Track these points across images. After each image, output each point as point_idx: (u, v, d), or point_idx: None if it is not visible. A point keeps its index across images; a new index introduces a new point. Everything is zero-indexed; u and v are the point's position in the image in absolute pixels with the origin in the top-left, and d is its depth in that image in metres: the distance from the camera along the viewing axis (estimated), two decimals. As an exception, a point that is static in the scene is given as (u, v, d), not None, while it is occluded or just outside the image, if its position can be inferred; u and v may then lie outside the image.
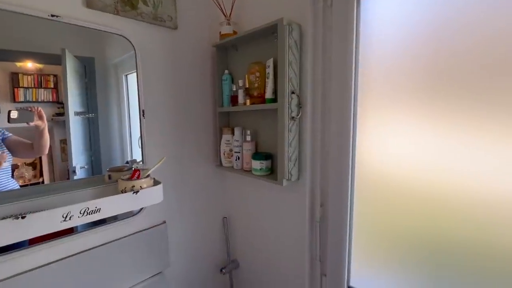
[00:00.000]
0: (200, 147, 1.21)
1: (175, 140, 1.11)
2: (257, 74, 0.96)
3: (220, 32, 1.09)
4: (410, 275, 0.80)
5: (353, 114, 0.84)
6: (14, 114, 0.72)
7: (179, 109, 1.12)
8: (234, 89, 1.10)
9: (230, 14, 1.07)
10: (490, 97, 0.61)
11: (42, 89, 0.77)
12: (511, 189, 0.61)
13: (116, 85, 0.93)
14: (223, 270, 1.29)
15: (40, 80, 0.77)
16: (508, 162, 0.60)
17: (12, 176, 0.74)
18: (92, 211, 0.72)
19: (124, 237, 0.98)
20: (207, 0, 1.14)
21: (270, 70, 0.92)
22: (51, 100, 0.79)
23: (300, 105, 0.91)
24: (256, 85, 0.98)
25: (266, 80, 0.94)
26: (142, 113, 0.96)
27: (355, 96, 0.84)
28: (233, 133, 1.12)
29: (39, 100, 0.77)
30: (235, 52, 1.13)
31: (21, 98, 0.74)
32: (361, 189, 0.88)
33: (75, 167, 0.84)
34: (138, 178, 0.85)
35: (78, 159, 0.85)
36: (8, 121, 0.72)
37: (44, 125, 0.77)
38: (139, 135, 0.98)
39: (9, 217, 0.62)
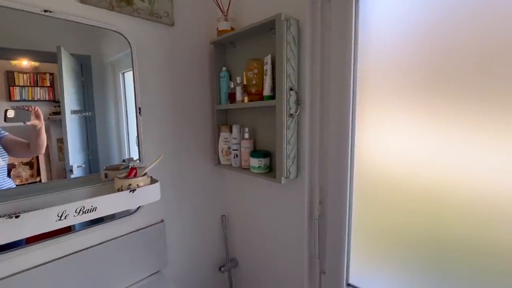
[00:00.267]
0: (198, 145, 1.20)
1: (172, 138, 1.11)
2: (255, 70, 0.95)
3: (217, 29, 1.08)
4: (409, 272, 0.80)
5: (352, 111, 0.84)
6: (11, 113, 0.72)
7: (177, 107, 1.11)
8: (232, 86, 1.10)
9: (228, 10, 1.06)
10: (489, 94, 0.62)
11: (38, 88, 0.77)
12: (510, 186, 0.60)
13: (113, 83, 0.93)
14: (222, 269, 1.29)
15: (36, 79, 0.76)
16: (507, 159, 0.60)
17: (9, 175, 0.75)
18: (88, 210, 0.71)
19: (122, 236, 0.98)
20: (204, -4, 1.13)
21: (268, 67, 0.91)
22: (47, 98, 0.79)
23: (298, 102, 0.90)
24: (254, 82, 0.97)
25: (264, 77, 0.93)
26: (138, 110, 0.95)
27: (354, 93, 0.84)
28: (231, 131, 1.11)
29: (35, 98, 0.77)
30: (233, 48, 1.12)
31: (17, 97, 0.74)
32: (360, 186, 0.88)
33: (72, 166, 0.84)
34: (135, 176, 0.84)
35: (75, 158, 0.85)
36: (5, 120, 0.71)
37: (41, 124, 0.77)
38: (136, 133, 0.96)
39: (3, 217, 0.61)
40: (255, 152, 1.01)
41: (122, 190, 0.81)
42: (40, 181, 0.79)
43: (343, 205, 0.90)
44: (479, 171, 0.64)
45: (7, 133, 0.74)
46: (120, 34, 0.90)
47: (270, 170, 1.02)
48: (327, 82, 0.89)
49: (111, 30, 0.88)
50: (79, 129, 0.86)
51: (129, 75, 0.94)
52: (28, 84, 0.75)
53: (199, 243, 1.27)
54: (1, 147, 0.73)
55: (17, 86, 0.74)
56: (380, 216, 0.84)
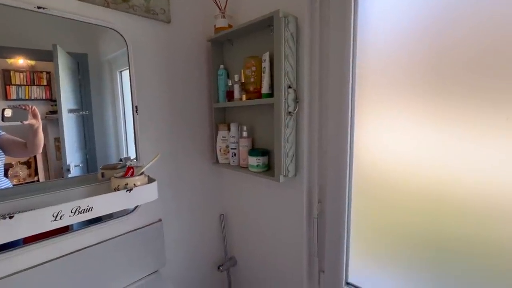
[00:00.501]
0: (196, 144, 1.20)
1: (170, 136, 1.11)
2: (253, 68, 0.95)
3: (215, 26, 1.07)
4: (408, 270, 0.80)
5: (351, 109, 0.84)
6: (8, 113, 0.72)
7: (174, 105, 1.11)
8: (230, 84, 1.09)
9: (225, 7, 1.05)
10: (489, 92, 0.62)
11: (35, 87, 0.77)
12: (509, 184, 0.60)
13: (111, 81, 0.93)
14: (221, 268, 1.29)
15: (32, 77, 0.76)
16: (507, 157, 0.61)
17: (6, 175, 0.75)
18: (84, 210, 0.71)
19: (119, 235, 0.98)
20: (201, -8, 1.12)
21: (266, 64, 0.91)
22: (44, 97, 0.78)
23: (297, 100, 0.90)
24: (252, 79, 0.96)
25: (262, 74, 0.93)
26: (135, 109, 0.94)
27: (353, 91, 0.83)
28: (229, 129, 1.11)
29: (32, 97, 0.77)
30: (231, 46, 1.11)
31: (14, 96, 0.74)
32: (359, 185, 0.88)
33: (69, 165, 0.84)
34: (131, 175, 0.84)
35: (73, 157, 0.85)
36: (2, 120, 0.71)
37: (39, 124, 0.77)
38: (133, 132, 0.95)
39: (-4, 217, 0.60)
40: (254, 151, 1.01)
41: (118, 190, 0.80)
42: (38, 180, 0.79)
43: (342, 204, 0.90)
44: (479, 169, 0.65)
45: (3, 133, 0.74)
46: (116, 31, 0.89)
47: (269, 169, 1.01)
48: (325, 80, 0.89)
49: (107, 27, 0.88)
50: (76, 128, 0.86)
51: (126, 74, 0.94)
52: (25, 83, 0.75)
53: (198, 242, 1.28)
54: None
55: (14, 85, 0.74)
56: (379, 214, 0.85)
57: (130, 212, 1.00)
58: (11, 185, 0.75)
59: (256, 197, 1.17)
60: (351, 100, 0.84)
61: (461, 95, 0.65)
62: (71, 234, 0.86)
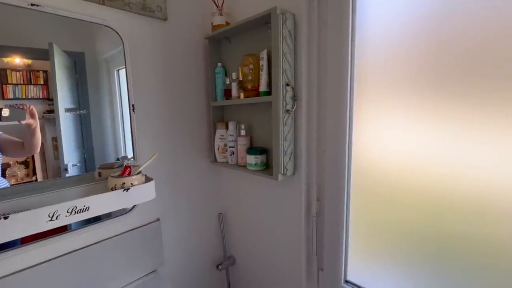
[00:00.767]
0: (194, 142, 1.20)
1: (167, 135, 1.10)
2: (251, 66, 0.94)
3: (212, 23, 1.07)
4: (408, 268, 0.81)
5: (349, 107, 0.84)
6: (5, 112, 0.72)
7: (171, 104, 1.11)
8: (228, 82, 1.09)
9: (222, 4, 1.05)
10: (489, 90, 0.62)
11: (32, 86, 0.77)
12: (507, 181, 0.61)
13: (108, 80, 0.93)
14: (220, 267, 1.29)
15: (29, 77, 0.76)
16: (507, 155, 0.61)
17: (4, 175, 0.75)
18: (81, 209, 0.71)
19: (117, 235, 0.99)
20: (198, -11, 1.12)
21: (264, 62, 0.90)
22: (41, 97, 0.78)
23: (295, 98, 0.90)
24: (250, 77, 0.96)
25: (260, 72, 0.92)
26: (132, 108, 0.94)
27: (351, 88, 0.83)
28: (227, 128, 1.11)
29: (29, 97, 0.77)
30: (228, 44, 1.10)
31: (10, 95, 0.74)
32: (357, 182, 0.88)
33: (67, 164, 0.85)
34: (129, 175, 0.83)
35: (70, 157, 0.86)
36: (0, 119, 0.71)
37: (36, 123, 0.77)
38: (130, 131, 0.95)
39: (-9, 218, 0.59)
40: (252, 149, 1.01)
41: (115, 189, 0.80)
42: (36, 180, 0.79)
43: (341, 202, 0.90)
44: (478, 167, 0.65)
45: (1, 132, 0.74)
46: (112, 29, 0.89)
47: (267, 167, 1.01)
48: (324, 78, 0.89)
49: (102, 25, 0.88)
50: (73, 128, 0.86)
51: (124, 72, 0.94)
52: (21, 82, 0.75)
53: (196, 242, 1.28)
54: None
55: (10, 84, 0.74)
56: (378, 212, 0.85)
57: (128, 212, 1.00)
58: (9, 185, 0.75)
59: (254, 195, 1.17)
60: (350, 98, 0.84)
61: (461, 92, 0.65)
62: (69, 234, 0.86)
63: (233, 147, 1.09)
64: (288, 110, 0.90)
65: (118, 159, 0.96)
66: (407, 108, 0.74)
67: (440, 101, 0.68)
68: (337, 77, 0.85)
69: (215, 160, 1.18)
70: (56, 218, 0.68)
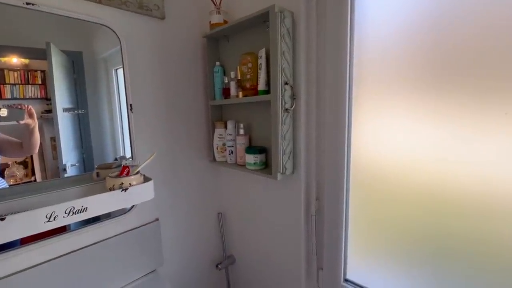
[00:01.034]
0: (193, 142, 1.20)
1: (166, 135, 1.10)
2: (249, 65, 0.94)
3: (210, 22, 1.06)
4: (407, 267, 0.81)
5: (348, 105, 0.84)
6: (4, 112, 0.72)
7: (170, 103, 1.11)
8: (226, 81, 1.08)
9: (220, 2, 1.05)
10: (487, 87, 0.62)
11: (30, 86, 0.77)
12: (507, 179, 0.61)
13: (106, 80, 0.93)
14: (219, 266, 1.29)
15: (27, 76, 0.76)
16: (506, 153, 0.61)
17: (2, 175, 0.75)
18: (78, 210, 0.70)
19: (116, 235, 0.99)
20: (196, -13, 1.11)
21: (262, 61, 0.90)
22: (39, 96, 0.78)
23: (294, 97, 0.89)
24: (248, 76, 0.96)
25: (259, 71, 0.92)
26: (130, 107, 0.93)
27: (350, 87, 0.83)
28: (226, 127, 1.11)
29: (27, 97, 0.77)
30: (227, 42, 1.10)
31: (8, 95, 0.74)
32: (357, 181, 0.88)
33: (65, 165, 0.85)
34: (127, 175, 0.83)
35: (69, 157, 0.86)
36: None
37: (35, 123, 0.77)
38: (128, 131, 0.95)
39: (-13, 219, 0.59)
40: (251, 148, 1.00)
41: (114, 189, 0.80)
42: (35, 180, 0.79)
43: (340, 201, 0.90)
44: (478, 165, 0.65)
45: None
46: (109, 28, 0.89)
47: (266, 166, 1.01)
48: (323, 76, 0.89)
49: (99, 23, 0.87)
50: (72, 127, 0.86)
51: (122, 72, 0.94)
52: (19, 82, 0.75)
53: (195, 241, 1.28)
54: None
55: (8, 84, 0.74)
56: (378, 211, 0.85)
57: (126, 212, 1.00)
58: (7, 186, 0.75)
59: (254, 195, 1.17)
60: (348, 97, 0.84)
61: (460, 90, 0.65)
62: (68, 234, 0.87)
63: (232, 146, 1.09)
64: (287, 109, 0.89)
65: (116, 159, 0.96)
66: (406, 106, 0.75)
67: (439, 99, 0.69)
68: (336, 76, 0.85)
69: (214, 159, 1.18)
70: (54, 219, 0.67)
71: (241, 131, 1.06)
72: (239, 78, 1.02)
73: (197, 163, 1.24)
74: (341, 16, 0.81)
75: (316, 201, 0.98)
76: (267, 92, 0.93)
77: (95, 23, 0.86)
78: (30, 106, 0.76)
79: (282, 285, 1.12)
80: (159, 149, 1.09)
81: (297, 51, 0.90)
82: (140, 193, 0.85)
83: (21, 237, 0.64)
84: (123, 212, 0.99)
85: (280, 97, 0.87)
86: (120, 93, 0.95)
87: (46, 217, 0.66)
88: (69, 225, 0.86)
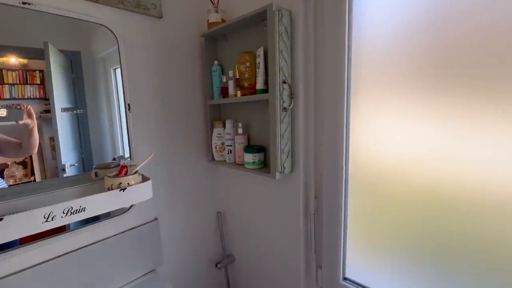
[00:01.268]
0: (191, 141, 1.20)
1: (164, 134, 1.11)
2: (248, 64, 0.94)
3: (208, 21, 1.06)
4: (406, 265, 0.81)
5: (347, 104, 0.85)
6: (3, 112, 0.72)
7: (168, 102, 1.11)
8: (224, 80, 1.08)
9: (218, 1, 1.04)
10: (485, 85, 0.62)
11: (28, 86, 0.77)
12: (505, 177, 0.61)
13: (105, 79, 0.93)
14: (219, 265, 1.30)
15: (25, 76, 0.77)
16: (506, 152, 0.61)
17: (1, 176, 0.75)
18: (77, 210, 0.71)
19: (115, 235, 1.00)
20: (193, -14, 1.11)
21: (260, 60, 0.90)
22: (38, 96, 0.79)
23: (292, 96, 0.89)
24: (246, 75, 0.96)
25: (257, 70, 0.93)
26: (127, 107, 0.93)
27: (349, 85, 0.83)
28: (224, 126, 1.11)
29: (26, 97, 0.77)
30: (225, 41, 1.10)
31: (7, 95, 0.74)
32: (356, 180, 0.88)
33: (64, 165, 0.85)
34: (125, 174, 0.83)
35: (68, 157, 0.86)
36: None
37: (34, 123, 0.78)
38: (126, 130, 0.95)
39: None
40: (249, 148, 1.01)
41: (112, 189, 0.80)
42: (34, 180, 0.80)
43: (339, 200, 0.90)
44: (476, 163, 0.65)
45: None
46: (105, 27, 0.89)
47: (265, 166, 1.02)
48: (321, 75, 0.89)
49: (96, 23, 0.87)
50: (70, 127, 0.86)
51: (120, 71, 0.94)
52: (18, 82, 0.75)
53: (195, 240, 1.29)
54: None
55: (7, 84, 0.74)
56: (377, 209, 0.86)
57: (125, 211, 1.01)
58: (6, 186, 0.76)
59: (253, 194, 1.17)
60: (347, 96, 0.84)
61: (458, 89, 0.65)
62: (67, 234, 0.87)
63: (231, 145, 1.09)
64: (285, 108, 0.89)
65: (114, 159, 0.96)
66: (405, 105, 0.75)
67: (438, 98, 0.69)
68: (334, 74, 0.85)
69: (213, 158, 1.18)
70: (52, 219, 0.67)
71: (240, 130, 1.06)
72: (237, 77, 1.02)
73: (196, 163, 1.24)
74: (339, 14, 0.81)
75: (315, 199, 0.98)
76: (265, 91, 0.93)
77: (92, 22, 0.87)
78: (29, 106, 0.76)
79: (281, 284, 1.13)
80: (158, 149, 1.09)
81: (295, 50, 0.90)
82: (138, 192, 0.85)
83: (19, 237, 0.64)
84: (122, 211, 0.99)
85: (278, 96, 0.87)
86: (119, 92, 0.95)
87: (44, 217, 0.67)
88: (68, 224, 0.87)
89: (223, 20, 1.07)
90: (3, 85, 0.73)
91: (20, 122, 0.75)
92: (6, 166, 0.76)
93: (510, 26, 0.57)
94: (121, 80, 0.94)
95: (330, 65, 0.86)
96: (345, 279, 0.97)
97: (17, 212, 0.64)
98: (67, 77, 0.85)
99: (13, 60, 0.74)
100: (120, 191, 0.80)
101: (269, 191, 1.10)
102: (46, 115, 0.80)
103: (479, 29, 0.61)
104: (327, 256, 0.98)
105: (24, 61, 0.76)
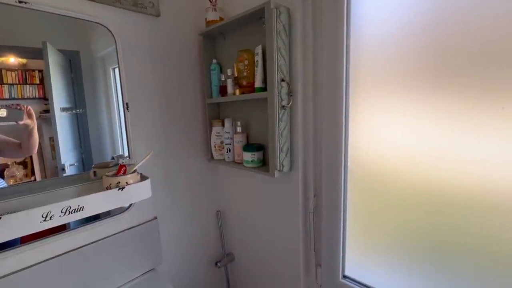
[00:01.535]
0: (190, 140, 1.20)
1: (163, 133, 1.11)
2: (246, 62, 0.94)
3: (206, 19, 1.06)
4: (406, 262, 0.82)
5: (346, 101, 0.85)
6: (3, 113, 0.73)
7: (167, 101, 1.12)
8: (223, 79, 1.07)
9: (216, -1, 1.02)
10: (483, 82, 0.62)
11: (28, 85, 0.77)
12: (505, 174, 0.62)
13: (104, 79, 0.94)
14: (218, 264, 1.30)
15: (24, 76, 0.77)
16: (506, 150, 0.61)
17: (2, 176, 0.75)
18: (75, 209, 0.71)
19: (114, 234, 1.00)
20: (191, -16, 1.11)
21: (259, 58, 0.90)
22: (37, 96, 0.79)
23: (290, 94, 0.89)
24: (245, 73, 0.96)
25: (255, 68, 0.93)
26: (126, 106, 0.93)
27: (347, 83, 0.83)
28: (223, 125, 1.11)
29: (25, 97, 0.77)
30: (223, 40, 1.10)
31: (6, 95, 0.74)
32: (355, 178, 0.89)
33: (64, 164, 0.85)
34: (124, 174, 0.83)
35: (68, 157, 0.87)
36: None
37: (34, 124, 0.78)
38: (125, 129, 0.95)
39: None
40: (248, 146, 1.01)
41: (110, 188, 0.79)
42: (34, 180, 0.80)
43: (338, 198, 0.90)
44: (476, 160, 0.65)
45: None
46: (103, 25, 0.89)
47: (264, 164, 1.02)
48: (320, 73, 0.89)
49: (93, 22, 0.87)
50: (70, 127, 0.87)
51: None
52: (17, 82, 0.76)
53: (194, 239, 1.29)
54: None
55: (6, 84, 0.74)
56: (376, 207, 0.86)
57: (124, 211, 1.02)
58: (6, 185, 0.76)
59: (252, 192, 1.18)
60: (346, 94, 0.85)
61: (457, 87, 0.66)
62: (67, 233, 0.88)
63: (230, 144, 1.09)
64: (283, 106, 0.89)
65: (113, 158, 0.96)
66: (404, 103, 0.75)
67: (436, 96, 0.69)
68: (333, 72, 0.86)
69: (212, 157, 1.19)
70: (50, 219, 0.68)
71: (239, 129, 1.06)
72: (236, 75, 1.03)
73: (195, 161, 1.25)
74: (338, 12, 0.81)
75: (314, 198, 0.98)
76: (263, 89, 0.93)
77: (89, 21, 0.87)
78: (29, 107, 0.76)
79: (281, 282, 1.14)
80: (156, 148, 1.10)
81: (293, 48, 0.90)
82: (137, 191, 0.85)
83: (17, 236, 0.64)
84: (121, 210, 1.00)
85: (277, 94, 0.87)
86: (118, 92, 0.96)
87: (42, 216, 0.67)
88: (69, 224, 0.87)
89: (221, 18, 1.07)
90: (3, 85, 0.73)
91: (20, 123, 0.76)
92: (6, 166, 0.76)
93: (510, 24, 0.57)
94: (118, 79, 0.94)
95: (328, 63, 0.86)
96: (344, 277, 0.97)
97: (15, 212, 0.64)
98: (66, 77, 0.85)
99: (12, 60, 0.75)
100: (118, 190, 0.80)
101: (268, 190, 1.10)
102: (46, 115, 0.80)
103: (479, 28, 0.61)
104: (327, 254, 0.99)
105: (23, 61, 0.76)
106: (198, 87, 1.22)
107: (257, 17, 0.91)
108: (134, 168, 0.88)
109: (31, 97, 0.77)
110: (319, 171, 0.96)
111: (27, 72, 0.77)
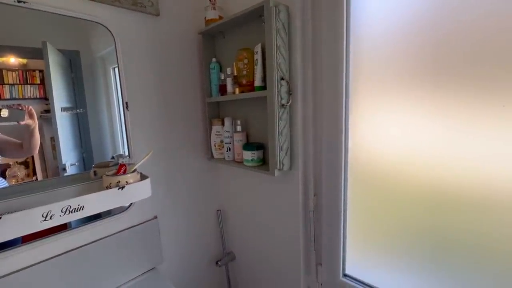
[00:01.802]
0: (190, 139, 1.21)
1: (163, 132, 1.11)
2: (245, 61, 0.94)
3: (205, 18, 1.06)
4: (406, 261, 0.82)
5: (345, 100, 0.85)
6: (4, 113, 0.73)
7: (166, 101, 1.12)
8: (223, 77, 1.07)
9: (215, -3, 1.02)
10: (483, 80, 0.62)
11: (28, 85, 0.78)
12: (504, 172, 0.62)
13: (104, 78, 0.94)
14: (219, 263, 1.31)
15: (25, 76, 0.77)
16: (506, 148, 0.61)
17: (3, 176, 0.76)
18: (75, 209, 0.71)
19: (115, 233, 1.01)
20: (190, -17, 1.12)
21: (258, 56, 0.90)
22: (38, 96, 0.80)
23: (290, 92, 0.89)
24: (244, 72, 0.96)
25: (255, 67, 0.93)
26: (125, 105, 0.93)
27: (347, 82, 0.83)
28: (223, 124, 1.11)
29: (26, 97, 0.78)
30: (222, 38, 1.10)
31: (7, 95, 0.75)
32: (355, 177, 0.88)
33: (65, 164, 0.86)
34: (124, 173, 0.83)
35: (68, 156, 0.87)
36: None
37: (35, 124, 0.79)
38: (125, 129, 0.95)
39: (-17, 218, 0.59)
40: (248, 145, 1.01)
41: (110, 188, 0.80)
42: (36, 180, 0.81)
43: (338, 196, 0.90)
44: (476, 158, 0.65)
45: None
46: (102, 25, 0.89)
47: (264, 163, 1.02)
48: (319, 71, 0.88)
49: (92, 21, 0.88)
50: (70, 127, 0.88)
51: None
52: (18, 82, 0.76)
53: (195, 238, 1.30)
54: None
55: (7, 84, 0.75)
56: (377, 205, 0.87)
57: (125, 210, 1.02)
58: (8, 185, 0.77)
59: (252, 191, 1.18)
60: (346, 92, 0.85)
61: (457, 85, 0.65)
62: (68, 232, 0.89)
63: (230, 143, 1.09)
64: (283, 105, 0.89)
65: (113, 157, 0.96)
66: (404, 102, 0.76)
67: (436, 94, 0.69)
68: (332, 71, 0.86)
69: (212, 156, 1.19)
70: (50, 218, 0.68)
71: (238, 128, 1.07)
72: (236, 74, 1.03)
73: (195, 161, 1.25)
74: (337, 9, 0.80)
75: (314, 196, 0.98)
76: (263, 88, 0.94)
77: (88, 20, 0.87)
78: (30, 107, 0.77)
79: (282, 281, 1.14)
80: (156, 147, 1.10)
81: (293, 46, 0.90)
82: (137, 191, 0.86)
83: (17, 236, 0.65)
84: (121, 210, 1.01)
85: (277, 92, 0.87)
86: (118, 91, 0.96)
87: (42, 216, 0.67)
88: (70, 223, 0.88)
89: (220, 17, 1.07)
90: (3, 85, 0.74)
91: (22, 123, 0.76)
92: (8, 166, 0.77)
93: (510, 21, 0.57)
94: (118, 79, 0.94)
95: (328, 61, 0.86)
96: (345, 275, 0.97)
97: (15, 211, 0.65)
98: (67, 77, 0.86)
99: (12, 60, 0.75)
100: (118, 189, 0.80)
101: (268, 189, 1.11)
102: (47, 115, 0.81)
103: (479, 26, 0.61)
104: (327, 252, 0.99)
105: (24, 61, 0.77)
106: (197, 86, 1.23)
107: (256, 16, 0.92)
108: (134, 168, 0.88)
109: (32, 97, 0.78)
110: (319, 170, 0.96)
111: (27, 72, 0.77)
